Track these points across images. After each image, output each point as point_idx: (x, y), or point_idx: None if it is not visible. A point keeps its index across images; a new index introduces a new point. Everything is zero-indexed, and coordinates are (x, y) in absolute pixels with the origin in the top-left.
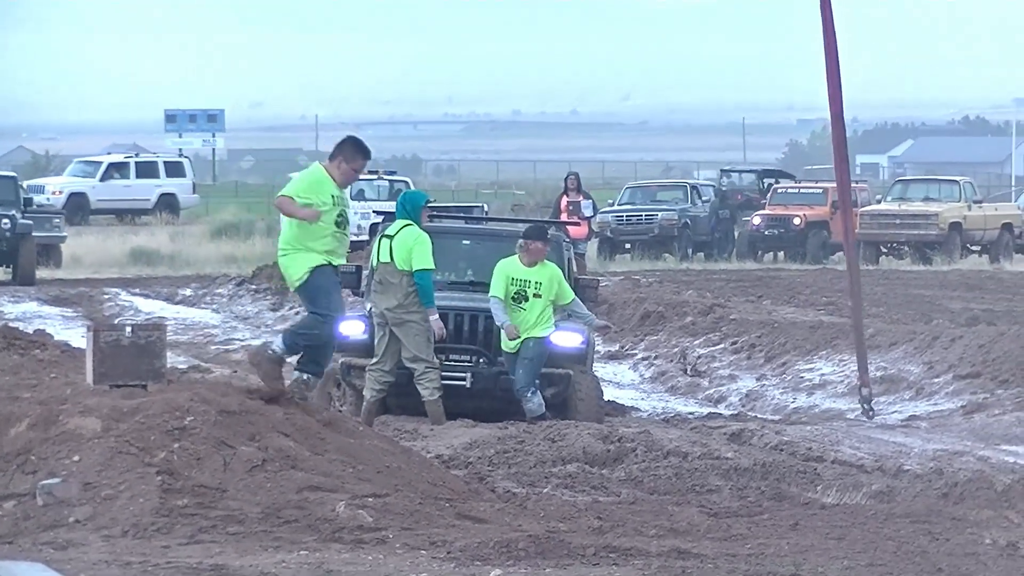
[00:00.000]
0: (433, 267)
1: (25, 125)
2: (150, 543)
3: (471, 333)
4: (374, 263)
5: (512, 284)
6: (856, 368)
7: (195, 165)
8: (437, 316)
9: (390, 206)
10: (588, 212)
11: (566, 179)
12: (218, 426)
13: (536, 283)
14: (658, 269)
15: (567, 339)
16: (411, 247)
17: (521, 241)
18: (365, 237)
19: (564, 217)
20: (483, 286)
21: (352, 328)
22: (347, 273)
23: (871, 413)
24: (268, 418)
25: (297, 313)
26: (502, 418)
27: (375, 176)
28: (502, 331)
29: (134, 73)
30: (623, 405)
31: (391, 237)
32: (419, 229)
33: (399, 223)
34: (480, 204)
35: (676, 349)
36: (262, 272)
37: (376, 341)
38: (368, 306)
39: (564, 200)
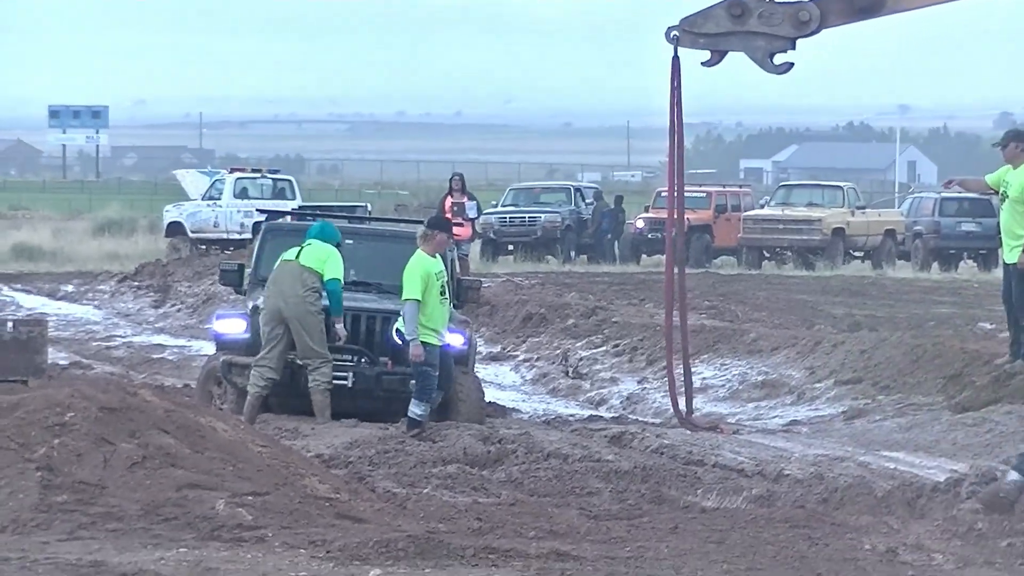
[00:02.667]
0: (342, 280)
1: None
2: (29, 539)
3: (353, 333)
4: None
5: (436, 279)
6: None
7: (79, 161)
8: (342, 324)
9: (273, 204)
10: (472, 213)
11: (451, 180)
12: (98, 423)
13: (444, 275)
14: (540, 271)
15: (449, 340)
16: (325, 257)
17: (427, 231)
18: (248, 236)
19: (448, 217)
20: (365, 286)
21: (233, 326)
22: (228, 271)
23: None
24: (148, 415)
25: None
26: (383, 418)
27: (258, 175)
28: (397, 338)
29: (15, 68)
30: (504, 406)
31: (301, 247)
32: (330, 246)
33: (311, 241)
34: (363, 204)
35: (558, 351)
36: (144, 269)
37: (264, 337)
38: (251, 304)
39: (448, 201)
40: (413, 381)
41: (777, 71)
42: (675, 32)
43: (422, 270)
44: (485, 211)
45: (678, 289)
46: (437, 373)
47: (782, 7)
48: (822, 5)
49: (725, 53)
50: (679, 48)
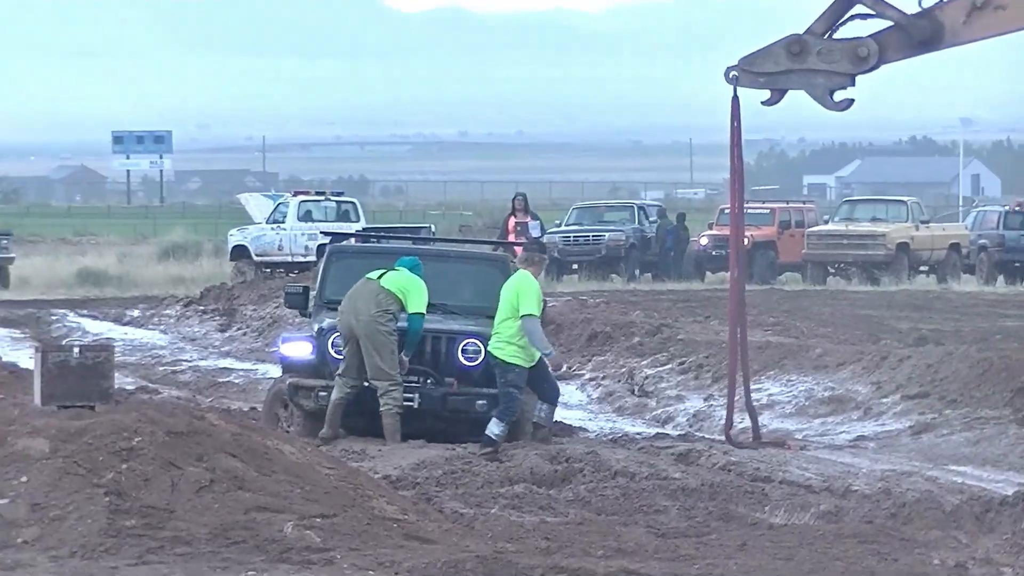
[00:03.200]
0: (424, 316)
1: None
2: (98, 564)
3: (419, 354)
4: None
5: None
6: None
7: (143, 186)
8: (407, 357)
9: (337, 227)
10: (536, 233)
11: (513, 200)
12: (166, 447)
13: None
14: (605, 290)
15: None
16: (411, 287)
17: (536, 256)
18: (312, 258)
19: (512, 238)
20: (430, 307)
21: (299, 349)
22: (293, 294)
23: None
24: (216, 439)
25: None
26: (449, 439)
27: (322, 197)
28: (542, 358)
29: (81, 95)
30: (571, 426)
31: (386, 271)
32: (415, 276)
33: (396, 268)
34: (427, 225)
35: (623, 370)
36: (209, 293)
37: (343, 353)
38: (316, 326)
39: (512, 221)
40: (481, 401)
41: (837, 108)
42: (734, 72)
43: (538, 289)
44: (549, 230)
45: (739, 308)
46: (522, 396)
47: (840, 44)
48: (880, 40)
49: (785, 91)
50: (738, 87)
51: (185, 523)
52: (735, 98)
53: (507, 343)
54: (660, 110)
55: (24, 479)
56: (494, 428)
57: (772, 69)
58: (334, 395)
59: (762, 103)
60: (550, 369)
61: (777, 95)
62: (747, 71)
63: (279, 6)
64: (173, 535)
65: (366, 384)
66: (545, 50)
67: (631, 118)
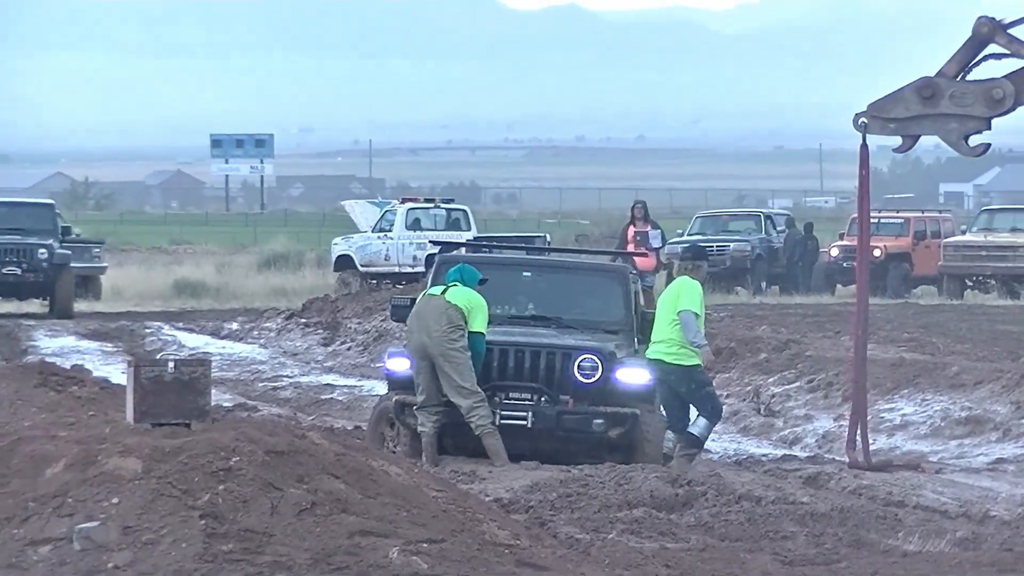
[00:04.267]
0: (485, 332)
1: (63, 151)
2: None
3: (532, 370)
4: (420, 299)
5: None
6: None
7: (242, 192)
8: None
9: (447, 236)
10: (656, 243)
11: (632, 208)
12: (265, 467)
13: None
14: (730, 303)
15: (633, 376)
16: (472, 304)
17: (696, 263)
18: (420, 269)
19: (631, 248)
20: (544, 320)
21: (406, 364)
22: (400, 307)
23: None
24: (318, 459)
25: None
26: (564, 460)
27: (431, 205)
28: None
29: (177, 97)
30: None
31: (447, 286)
32: (474, 290)
33: (452, 283)
34: (542, 234)
35: (749, 388)
36: (312, 305)
37: (416, 378)
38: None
39: (631, 230)
40: (598, 421)
41: (973, 153)
42: (863, 119)
43: (700, 292)
44: (670, 240)
45: (863, 322)
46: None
47: (974, 86)
48: (1016, 80)
49: (917, 137)
50: (868, 134)
51: (285, 548)
52: (863, 146)
53: (680, 346)
54: (789, 114)
55: (115, 500)
56: (702, 428)
57: (903, 115)
58: (421, 432)
59: (893, 151)
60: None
61: (909, 141)
62: (877, 117)
63: (386, 4)
64: (272, 560)
65: (450, 406)
66: (666, 50)
67: (758, 122)
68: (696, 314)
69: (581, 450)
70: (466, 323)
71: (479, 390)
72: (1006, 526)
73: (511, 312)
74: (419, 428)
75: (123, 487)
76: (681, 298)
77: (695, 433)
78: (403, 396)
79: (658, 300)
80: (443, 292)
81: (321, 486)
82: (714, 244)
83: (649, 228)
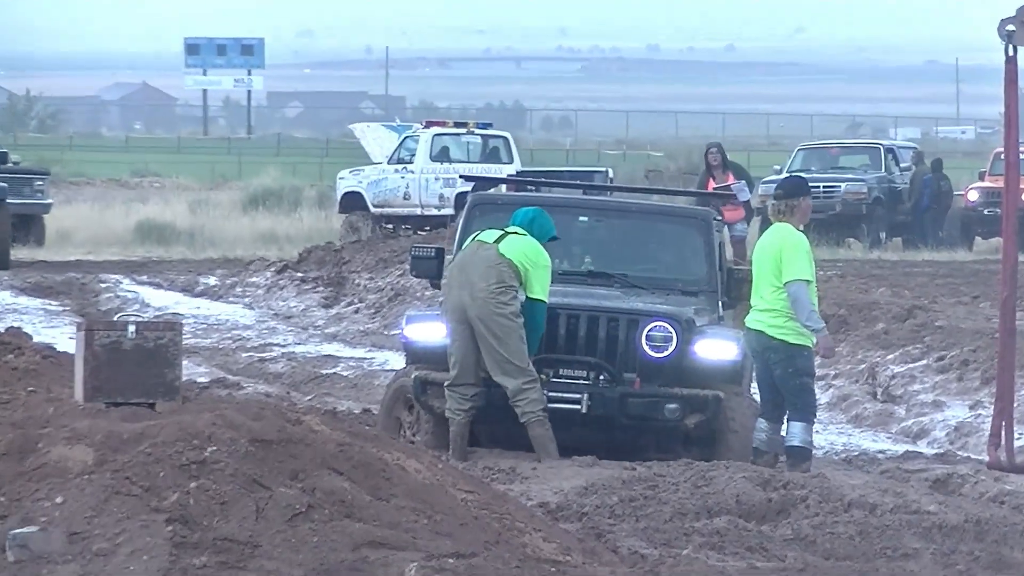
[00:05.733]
0: (546, 300)
1: (2, 58)
2: None
3: (588, 340)
4: (465, 244)
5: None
6: None
7: (224, 112)
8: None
9: (483, 170)
10: (745, 196)
11: (707, 154)
12: (249, 460)
13: None
14: (840, 259)
15: (717, 349)
16: (532, 259)
17: (790, 201)
18: (449, 211)
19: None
20: (605, 278)
21: (429, 331)
22: (423, 258)
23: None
24: (316, 450)
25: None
26: (628, 454)
27: (463, 130)
28: (814, 339)
29: None
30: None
31: (506, 232)
32: (541, 246)
33: (515, 228)
34: (603, 169)
35: (863, 366)
36: (310, 256)
37: (451, 348)
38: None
39: (711, 185)
40: (672, 405)
41: None
42: (1010, 26)
43: (807, 246)
44: (766, 179)
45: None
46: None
47: None
48: None
49: None
50: (1016, 46)
51: (273, 562)
52: (1010, 59)
53: (787, 318)
54: (916, 21)
55: (60, 500)
56: (803, 435)
57: None
58: (450, 419)
59: None
60: (815, 357)
61: None
62: None
63: None
64: None
65: (496, 385)
66: None
67: (875, 31)
68: (808, 282)
69: (649, 442)
70: (522, 284)
71: (531, 369)
72: None
73: (563, 267)
74: (447, 412)
75: (69, 483)
76: (785, 261)
77: (797, 444)
78: (427, 371)
79: (752, 254)
80: (498, 240)
81: (320, 484)
82: (820, 184)
83: (731, 178)
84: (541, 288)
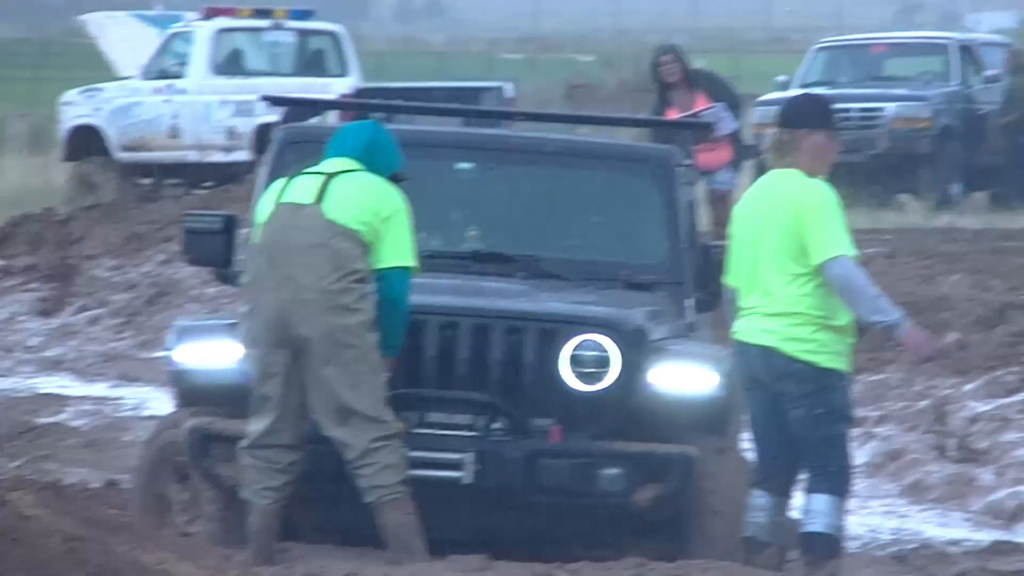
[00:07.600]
0: (415, 267)
1: None
2: None
3: (475, 366)
4: (265, 213)
5: None
6: None
7: None
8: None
9: (299, 86)
10: (729, 127)
11: (656, 67)
12: None
13: None
14: (886, 228)
15: (684, 378)
16: (377, 210)
17: (799, 132)
18: (244, 155)
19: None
20: (500, 262)
21: (211, 354)
22: (201, 231)
23: None
24: (30, 549)
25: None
26: (542, 551)
27: (267, 22)
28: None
29: None
30: (800, 520)
31: (327, 175)
32: (388, 183)
33: (340, 162)
34: (497, 85)
35: (924, 403)
36: (17, 231)
37: (255, 382)
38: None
39: (672, 113)
40: (613, 470)
41: None
42: None
43: (836, 201)
44: (770, 96)
45: None
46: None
47: None
48: None
49: None
50: None
51: None
52: None
53: (817, 327)
54: None
55: None
56: (828, 515)
57: None
58: (255, 498)
59: None
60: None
61: None
62: None
63: None
64: None
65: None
66: None
67: None
68: (850, 255)
69: (576, 530)
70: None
71: (388, 416)
72: None
73: (433, 245)
74: (245, 491)
75: None
76: (813, 228)
77: (821, 530)
78: (210, 419)
79: (734, 213)
80: (318, 197)
81: None
82: (854, 106)
83: (701, 100)
84: (403, 248)
